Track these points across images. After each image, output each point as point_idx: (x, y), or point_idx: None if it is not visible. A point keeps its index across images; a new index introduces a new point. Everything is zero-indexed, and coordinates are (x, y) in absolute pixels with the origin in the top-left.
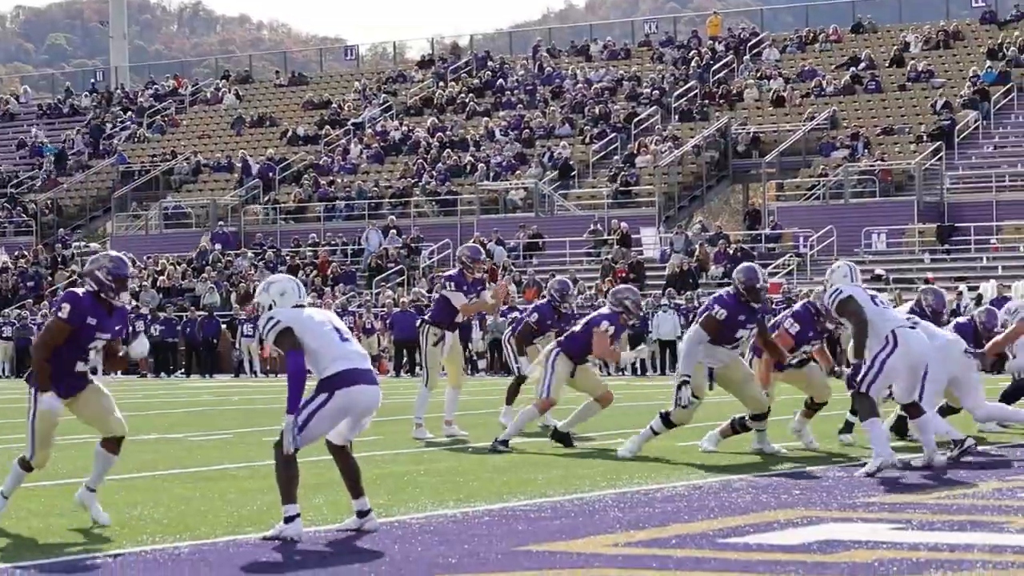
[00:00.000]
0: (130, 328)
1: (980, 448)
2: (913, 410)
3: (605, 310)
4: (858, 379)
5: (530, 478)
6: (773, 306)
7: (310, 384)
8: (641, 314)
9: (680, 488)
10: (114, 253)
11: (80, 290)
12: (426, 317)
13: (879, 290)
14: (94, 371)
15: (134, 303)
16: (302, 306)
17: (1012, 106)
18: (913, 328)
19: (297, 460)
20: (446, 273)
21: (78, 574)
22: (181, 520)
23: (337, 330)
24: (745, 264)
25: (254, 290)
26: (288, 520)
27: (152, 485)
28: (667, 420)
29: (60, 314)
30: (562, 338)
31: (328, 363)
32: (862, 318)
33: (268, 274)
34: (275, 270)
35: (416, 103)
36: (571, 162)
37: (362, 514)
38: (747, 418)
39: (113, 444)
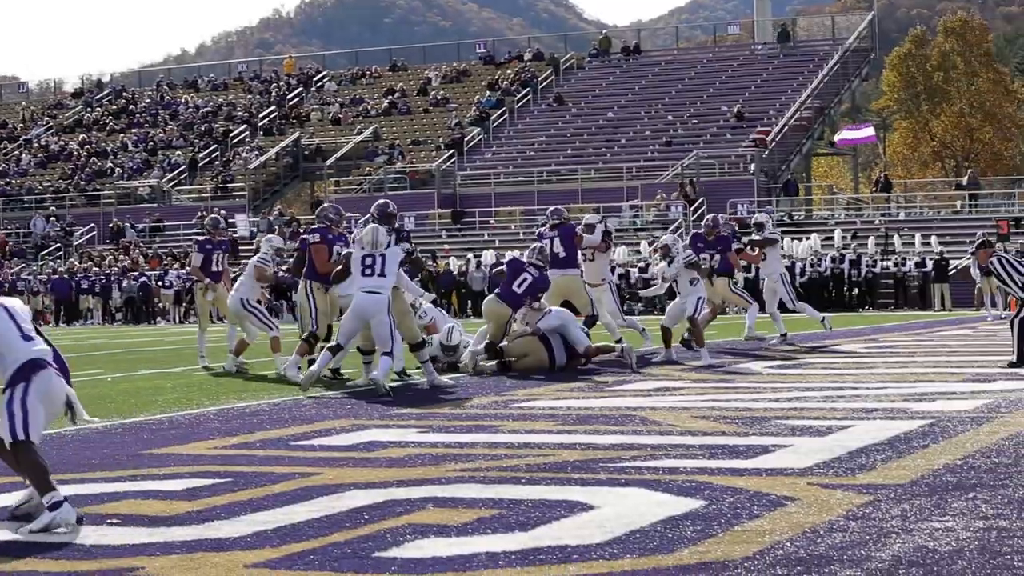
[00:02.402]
0: None
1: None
2: (415, 349)
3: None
4: None
5: (152, 400)
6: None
7: None
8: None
9: (264, 405)
10: None
11: None
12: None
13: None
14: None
15: None
16: None
17: (506, 124)
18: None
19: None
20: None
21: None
22: None
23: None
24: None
25: None
26: (53, 507)
27: None
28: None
29: None
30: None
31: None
32: None
33: None
34: None
35: (71, 124)
36: (183, 166)
37: None
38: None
39: None
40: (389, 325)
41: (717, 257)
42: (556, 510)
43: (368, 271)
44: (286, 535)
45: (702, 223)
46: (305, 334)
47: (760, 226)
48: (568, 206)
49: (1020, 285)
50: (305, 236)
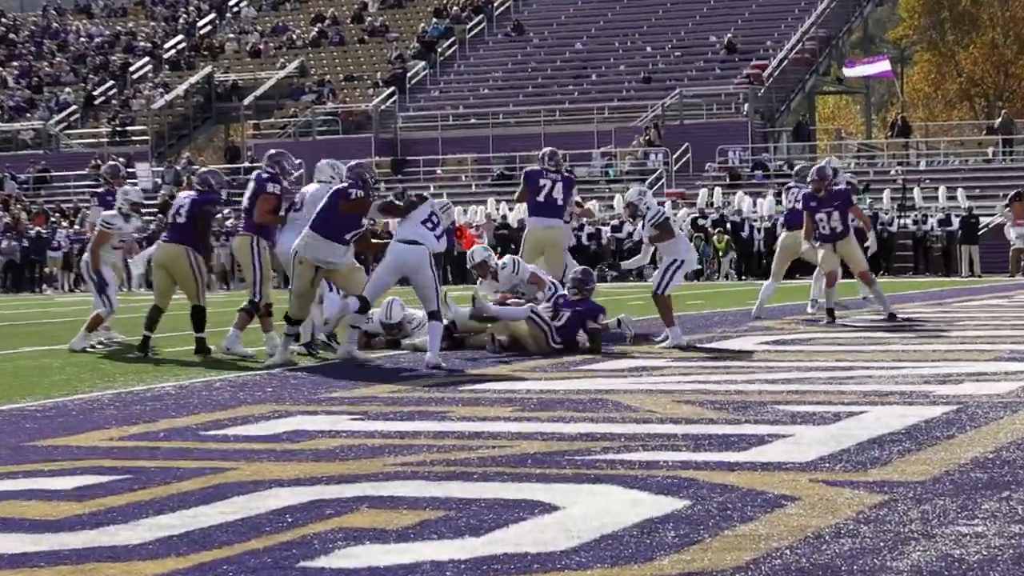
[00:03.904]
0: None
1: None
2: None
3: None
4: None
5: (36, 382)
6: None
7: None
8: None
9: (169, 388)
10: None
11: None
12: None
13: None
14: None
15: None
16: None
17: (455, 57)
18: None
19: None
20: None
21: None
22: None
23: None
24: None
25: None
26: None
27: None
28: None
29: None
30: None
31: None
32: None
33: None
34: None
35: None
36: (75, 106)
37: None
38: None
39: None
40: (434, 280)
41: (836, 216)
42: (513, 511)
43: (428, 225)
44: (195, 542)
45: (808, 177)
46: (245, 303)
47: (835, 172)
48: (529, 153)
49: None
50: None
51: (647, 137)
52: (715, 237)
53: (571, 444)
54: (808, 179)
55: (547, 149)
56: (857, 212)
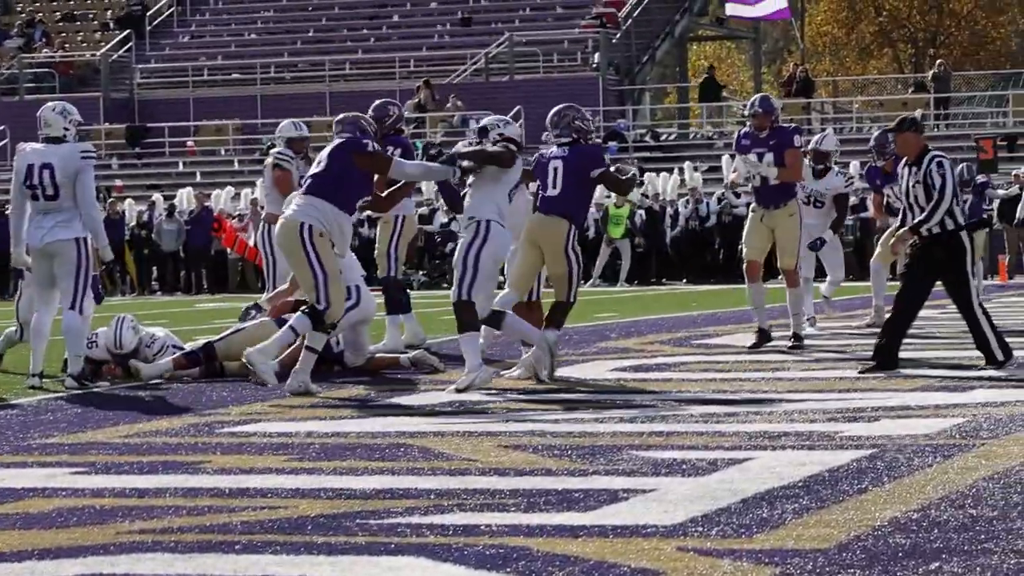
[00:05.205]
0: None
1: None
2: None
3: None
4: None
5: None
6: None
7: None
8: None
9: None
10: None
11: None
12: None
13: None
14: None
15: None
16: None
17: None
18: None
19: None
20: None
21: None
22: None
23: None
24: None
25: None
26: None
27: None
28: None
29: None
30: None
31: None
32: None
33: None
34: None
35: None
36: None
37: None
38: None
39: None
40: None
41: (769, 159)
42: None
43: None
44: None
45: (749, 108)
46: None
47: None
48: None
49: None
50: None
51: (418, 100)
52: (611, 207)
53: (364, 503)
54: (748, 111)
55: (387, 104)
56: (793, 159)
